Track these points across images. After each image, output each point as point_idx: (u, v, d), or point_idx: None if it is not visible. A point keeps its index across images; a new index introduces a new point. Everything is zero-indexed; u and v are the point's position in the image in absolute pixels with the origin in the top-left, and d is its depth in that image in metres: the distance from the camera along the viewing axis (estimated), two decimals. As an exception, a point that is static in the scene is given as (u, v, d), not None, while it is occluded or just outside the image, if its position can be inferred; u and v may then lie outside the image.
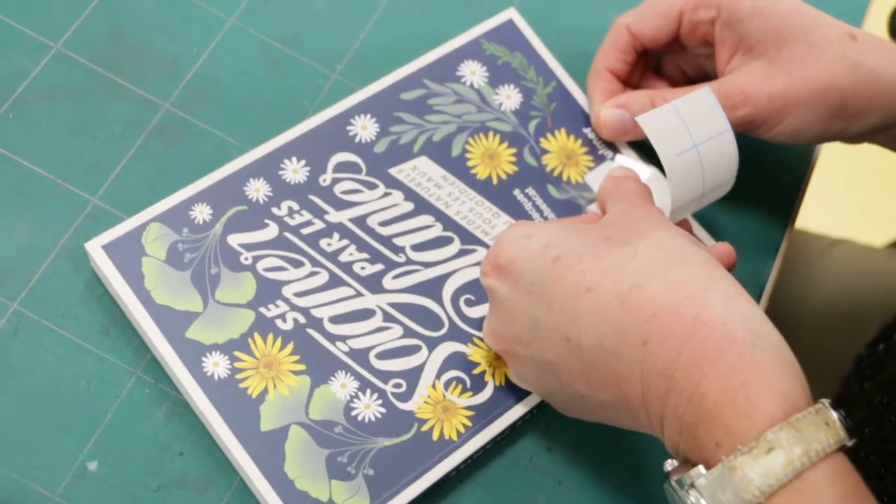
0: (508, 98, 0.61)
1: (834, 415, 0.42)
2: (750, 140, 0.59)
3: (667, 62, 0.63)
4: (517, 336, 0.50)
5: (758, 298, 0.62)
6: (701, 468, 0.43)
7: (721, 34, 0.58)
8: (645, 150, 0.62)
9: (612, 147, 0.61)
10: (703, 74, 0.63)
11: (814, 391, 0.67)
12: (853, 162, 0.66)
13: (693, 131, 0.54)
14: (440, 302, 0.55)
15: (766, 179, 0.65)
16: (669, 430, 0.45)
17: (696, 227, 0.60)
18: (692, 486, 0.42)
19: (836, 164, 0.63)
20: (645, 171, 0.61)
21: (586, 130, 0.61)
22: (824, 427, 0.42)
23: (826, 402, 0.43)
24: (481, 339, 0.55)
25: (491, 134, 0.60)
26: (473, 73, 0.61)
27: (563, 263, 0.48)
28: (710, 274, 0.46)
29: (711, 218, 0.62)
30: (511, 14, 0.63)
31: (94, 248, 0.52)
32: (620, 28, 0.60)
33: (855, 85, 0.55)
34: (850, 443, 0.42)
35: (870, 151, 0.66)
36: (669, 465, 0.45)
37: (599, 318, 0.46)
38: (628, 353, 0.45)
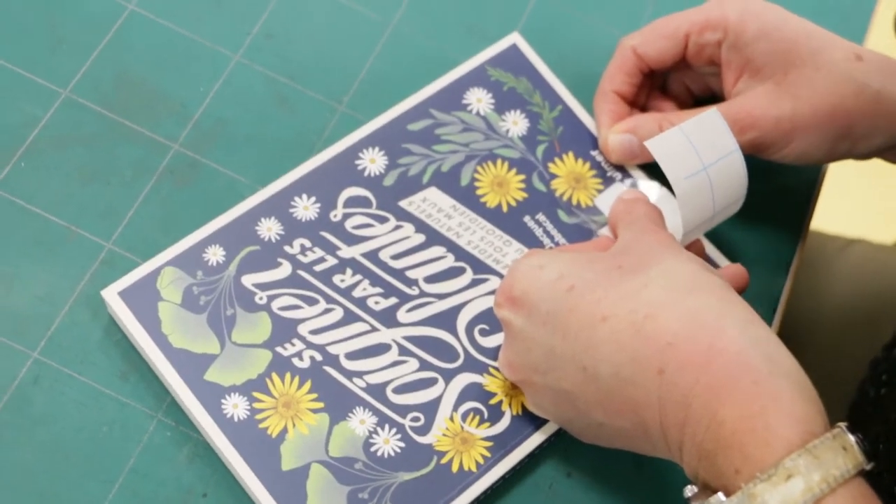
0: (515, 124, 0.61)
1: (851, 439, 0.43)
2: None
3: (672, 80, 0.64)
4: (533, 366, 0.50)
5: (774, 303, 0.62)
6: (720, 495, 0.43)
7: (727, 56, 0.58)
8: (653, 171, 0.62)
9: (621, 169, 0.62)
10: (710, 93, 0.63)
11: (831, 395, 0.67)
12: (867, 161, 0.67)
13: (702, 153, 0.54)
14: (455, 333, 0.56)
15: (779, 182, 0.65)
16: (688, 456, 0.45)
17: (709, 247, 0.61)
18: None
19: (849, 164, 0.63)
20: (655, 192, 0.61)
21: (594, 153, 0.61)
22: (842, 452, 0.42)
23: (843, 425, 0.43)
24: (497, 369, 0.55)
25: (499, 161, 0.60)
26: (479, 100, 0.61)
27: (578, 293, 0.48)
28: (723, 300, 0.46)
29: (726, 223, 0.62)
30: (515, 39, 0.63)
31: (111, 295, 0.53)
32: (626, 50, 0.60)
33: (861, 107, 0.56)
34: (868, 466, 0.43)
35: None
36: (689, 490, 0.46)
37: (615, 347, 0.46)
38: (645, 381, 0.46)
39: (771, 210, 0.64)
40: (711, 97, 0.63)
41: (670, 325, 0.45)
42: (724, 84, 0.59)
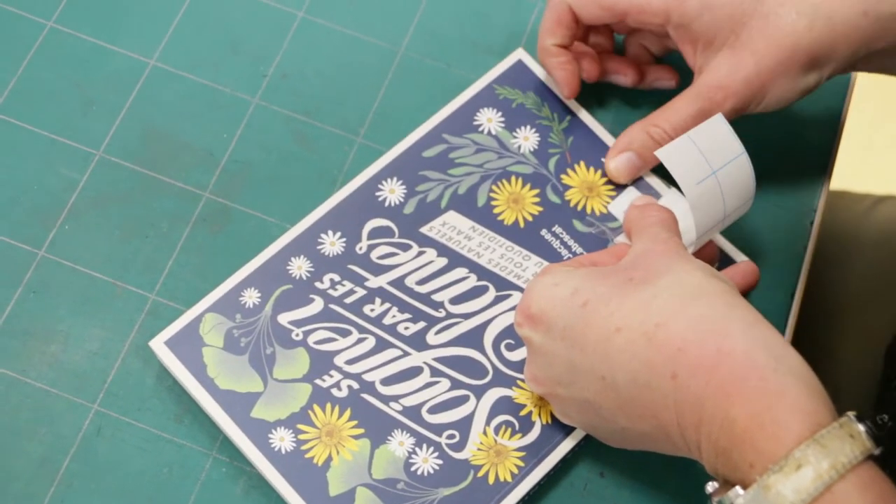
0: (526, 139, 0.64)
1: (859, 427, 0.45)
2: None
3: (630, 43, 0.66)
4: (556, 379, 0.53)
5: (797, 270, 0.64)
6: (738, 489, 0.46)
7: (677, 35, 0.61)
8: (661, 172, 0.64)
9: (632, 172, 0.64)
10: (668, 52, 0.66)
11: (859, 361, 0.70)
12: (886, 114, 0.68)
13: (710, 158, 0.57)
14: (482, 350, 0.59)
15: (794, 147, 0.67)
16: (707, 454, 0.48)
17: (724, 243, 0.63)
18: None
19: (866, 120, 0.65)
20: (666, 193, 0.63)
21: (605, 160, 0.64)
22: (849, 440, 0.44)
23: (852, 414, 0.46)
24: (524, 381, 0.58)
25: (513, 178, 0.63)
26: (490, 119, 0.64)
27: (592, 308, 0.51)
28: (729, 305, 0.49)
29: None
30: (520, 55, 0.65)
31: (158, 345, 0.57)
32: (562, 5, 0.62)
33: (817, 38, 0.58)
34: (876, 451, 0.45)
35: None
36: (711, 486, 0.48)
37: (630, 356, 0.49)
38: (660, 386, 0.48)
39: (791, 165, 0.66)
40: (672, 57, 0.65)
41: (680, 332, 0.48)
42: (685, 58, 0.62)
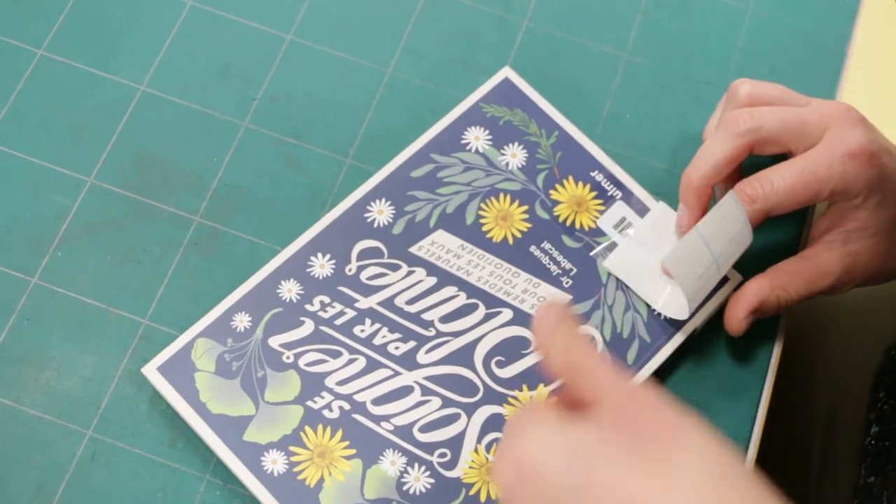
0: (514, 156, 0.64)
1: None
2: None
3: None
4: None
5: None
6: None
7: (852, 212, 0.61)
8: (651, 187, 0.64)
9: (620, 186, 0.64)
10: None
11: (860, 360, 0.70)
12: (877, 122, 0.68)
13: (713, 246, 0.58)
14: (473, 368, 0.59)
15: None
16: None
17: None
18: None
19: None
20: (655, 207, 0.63)
21: (593, 174, 0.64)
22: None
23: None
24: (516, 398, 0.59)
25: (502, 195, 0.63)
26: (477, 138, 0.64)
27: (602, 482, 0.42)
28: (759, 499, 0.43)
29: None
30: (507, 73, 0.66)
31: (151, 371, 0.58)
32: (748, 136, 0.59)
33: None
34: None
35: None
36: None
37: None
38: None
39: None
40: None
41: None
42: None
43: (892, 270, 0.62)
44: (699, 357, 0.62)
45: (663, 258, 0.57)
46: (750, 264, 0.62)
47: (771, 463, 0.82)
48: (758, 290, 0.61)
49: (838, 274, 0.61)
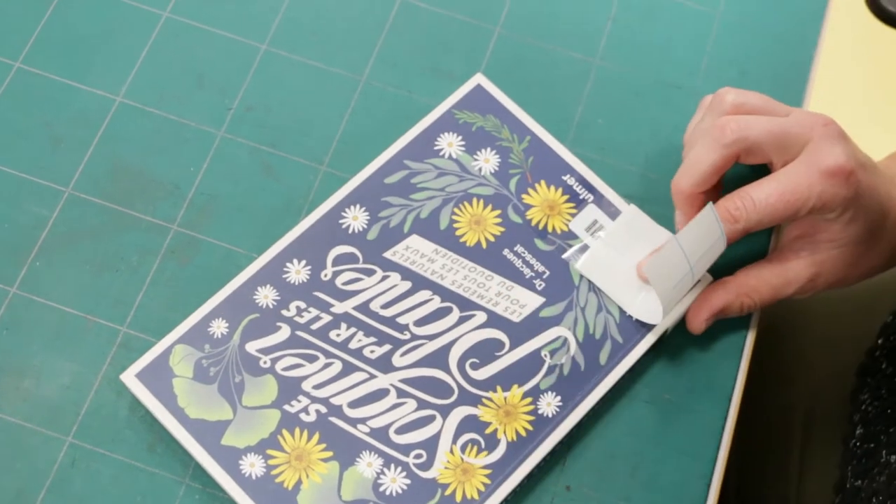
0: (487, 161, 0.65)
1: None
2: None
3: None
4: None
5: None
6: None
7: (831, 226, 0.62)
8: (622, 189, 0.65)
9: (592, 190, 0.65)
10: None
11: (838, 360, 0.70)
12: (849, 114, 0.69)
13: (690, 256, 0.59)
14: (447, 370, 0.60)
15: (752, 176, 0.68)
16: None
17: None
18: None
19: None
20: (626, 210, 0.64)
21: (565, 178, 0.65)
22: None
23: None
24: (490, 400, 0.59)
25: (475, 200, 0.64)
26: (450, 144, 0.65)
27: None
28: None
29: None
30: (479, 79, 0.67)
31: (129, 378, 0.58)
32: (735, 147, 0.60)
33: None
34: None
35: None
36: None
37: None
38: None
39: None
40: None
41: None
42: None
43: (853, 278, 0.64)
44: (671, 356, 0.63)
45: (644, 267, 0.58)
46: (719, 261, 0.62)
47: (751, 463, 0.83)
48: (723, 296, 0.62)
49: (804, 282, 0.62)
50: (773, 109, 0.63)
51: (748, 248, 0.66)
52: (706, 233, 0.58)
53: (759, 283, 0.63)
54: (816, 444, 0.81)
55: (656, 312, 0.61)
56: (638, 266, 0.63)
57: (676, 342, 0.64)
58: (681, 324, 0.63)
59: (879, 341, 0.76)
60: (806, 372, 0.83)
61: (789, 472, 0.81)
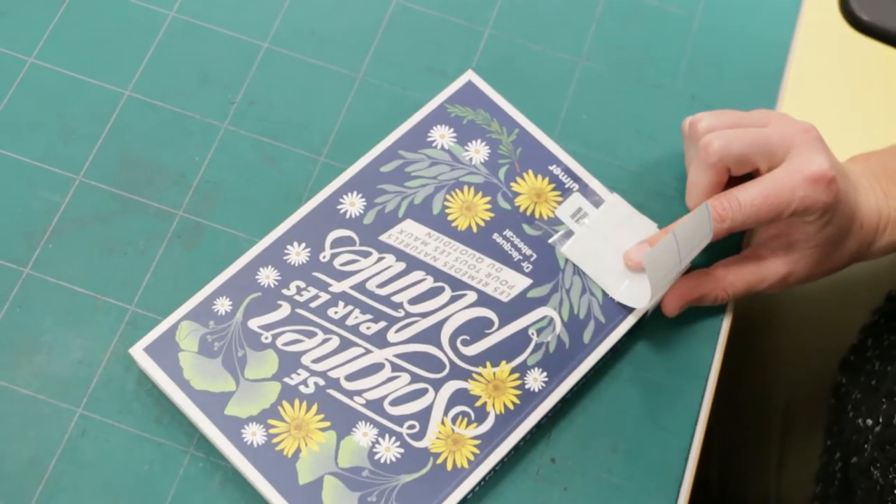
0: (477, 152, 0.68)
1: None
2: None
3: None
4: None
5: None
6: None
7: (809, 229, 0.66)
8: (609, 182, 0.69)
9: (577, 179, 0.68)
10: None
11: (818, 350, 0.73)
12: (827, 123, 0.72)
13: (682, 248, 0.62)
14: (440, 346, 0.63)
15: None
16: None
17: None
18: None
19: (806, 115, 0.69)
20: (610, 199, 0.68)
21: (551, 168, 0.69)
22: None
23: None
24: (479, 374, 0.63)
25: (466, 188, 0.67)
26: (443, 136, 0.69)
27: None
28: None
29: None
30: (470, 76, 0.70)
31: (137, 352, 0.61)
32: (721, 166, 0.64)
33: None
34: None
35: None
36: None
37: None
38: None
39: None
40: None
41: None
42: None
43: (819, 275, 0.68)
44: (652, 338, 0.67)
45: (644, 257, 0.62)
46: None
47: (734, 452, 0.86)
48: (701, 287, 0.66)
49: (777, 279, 0.66)
50: (748, 122, 0.66)
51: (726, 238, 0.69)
52: (698, 228, 0.62)
53: (735, 278, 0.66)
54: (795, 435, 0.84)
55: (641, 298, 0.65)
56: (626, 255, 0.66)
57: (656, 325, 0.67)
58: (661, 308, 0.67)
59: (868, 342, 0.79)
60: (784, 366, 0.86)
61: (769, 463, 0.84)
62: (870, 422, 0.69)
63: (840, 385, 0.79)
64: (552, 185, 0.68)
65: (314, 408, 0.61)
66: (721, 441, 0.86)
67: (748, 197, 0.63)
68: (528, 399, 0.63)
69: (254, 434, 0.60)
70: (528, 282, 0.65)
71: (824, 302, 0.87)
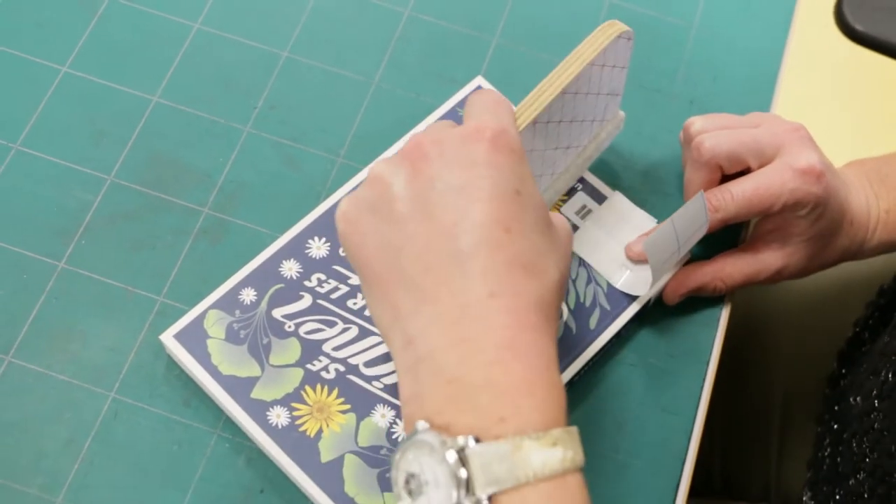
0: (486, 153, 0.72)
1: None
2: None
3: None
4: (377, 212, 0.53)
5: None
6: (471, 439, 0.46)
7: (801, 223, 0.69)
8: (609, 182, 0.73)
9: (581, 179, 0.72)
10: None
11: (815, 340, 0.76)
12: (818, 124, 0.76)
13: (680, 236, 0.66)
14: (453, 334, 0.67)
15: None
16: (456, 367, 0.48)
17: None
18: (461, 451, 0.46)
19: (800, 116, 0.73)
20: (613, 197, 0.71)
21: (668, 296, 0.72)
22: (580, 447, 0.48)
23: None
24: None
25: (476, 186, 0.71)
26: (454, 137, 0.72)
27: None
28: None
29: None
30: (479, 81, 0.74)
31: (168, 338, 0.65)
32: (713, 164, 0.68)
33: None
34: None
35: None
36: (422, 425, 0.48)
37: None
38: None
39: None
40: None
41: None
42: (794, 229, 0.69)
43: (811, 269, 0.72)
44: (655, 325, 0.70)
45: (644, 242, 0.65)
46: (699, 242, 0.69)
47: (734, 439, 0.89)
48: (701, 277, 0.69)
49: (773, 272, 0.70)
50: (740, 124, 0.70)
51: (726, 230, 0.73)
52: (694, 217, 0.66)
53: (733, 270, 0.70)
54: (795, 425, 0.87)
55: (642, 285, 0.68)
56: (627, 247, 0.70)
57: (659, 313, 0.70)
58: (662, 297, 0.70)
59: (865, 330, 0.82)
60: (783, 358, 0.89)
61: (770, 453, 0.87)
62: (859, 399, 0.73)
63: (837, 376, 0.82)
64: (558, 184, 0.72)
65: (335, 392, 0.65)
66: (723, 433, 0.89)
67: (740, 189, 0.67)
68: (538, 383, 0.66)
69: (278, 416, 0.64)
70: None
71: (822, 298, 0.90)
